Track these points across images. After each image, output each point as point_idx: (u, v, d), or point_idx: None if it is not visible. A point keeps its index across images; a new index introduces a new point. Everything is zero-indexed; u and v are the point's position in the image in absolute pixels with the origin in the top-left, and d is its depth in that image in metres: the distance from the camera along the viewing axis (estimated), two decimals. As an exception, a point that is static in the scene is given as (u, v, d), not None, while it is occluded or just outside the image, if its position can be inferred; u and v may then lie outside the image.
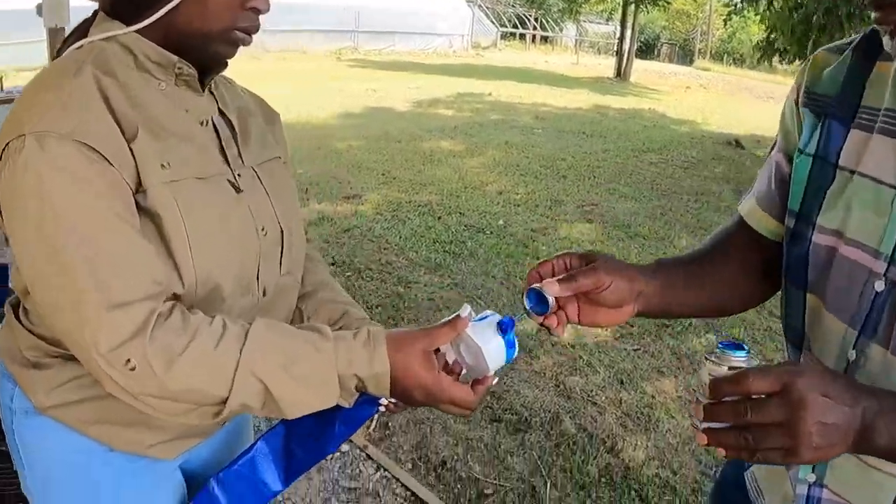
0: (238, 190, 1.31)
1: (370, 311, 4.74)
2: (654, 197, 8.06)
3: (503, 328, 1.21)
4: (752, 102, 20.36)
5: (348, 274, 5.35)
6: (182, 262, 1.19)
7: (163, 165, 1.17)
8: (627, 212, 7.42)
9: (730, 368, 0.98)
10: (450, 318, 1.21)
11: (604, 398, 3.91)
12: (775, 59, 13.17)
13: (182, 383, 1.10)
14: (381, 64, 22.69)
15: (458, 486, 3.16)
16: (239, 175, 1.32)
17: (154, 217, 1.16)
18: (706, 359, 1.02)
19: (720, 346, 1.02)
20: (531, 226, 6.84)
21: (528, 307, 1.23)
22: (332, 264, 5.48)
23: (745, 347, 1.01)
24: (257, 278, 1.35)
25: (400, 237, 6.24)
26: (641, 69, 26.61)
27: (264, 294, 1.38)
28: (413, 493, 3.05)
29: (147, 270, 1.13)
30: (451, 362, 1.25)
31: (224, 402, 1.13)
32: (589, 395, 3.92)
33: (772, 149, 1.35)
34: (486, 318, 1.23)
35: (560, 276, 1.19)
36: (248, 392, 1.13)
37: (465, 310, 1.20)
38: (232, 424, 1.60)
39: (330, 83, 15.92)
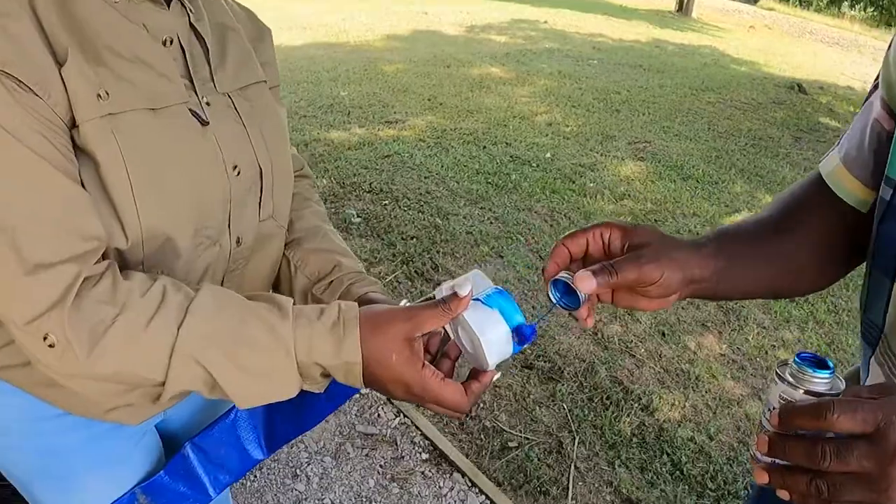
0: (203, 122, 1.08)
1: (406, 242, 4.56)
2: (709, 138, 7.71)
3: (521, 335, 0.98)
4: (816, 47, 19.57)
5: (385, 202, 5.16)
6: (124, 212, 0.98)
7: (99, 96, 0.95)
8: (681, 152, 7.10)
9: (807, 392, 0.80)
10: (446, 294, 0.99)
11: (643, 350, 3.71)
12: (845, 3, 12.58)
13: (108, 366, 0.92)
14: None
15: (482, 436, 3.00)
16: (207, 103, 1.10)
17: (90, 158, 0.95)
18: (777, 375, 0.83)
19: (798, 359, 0.82)
20: (580, 160, 6.56)
21: (554, 299, 1.01)
22: (370, 191, 5.29)
23: (831, 365, 0.81)
24: (228, 226, 1.14)
25: (442, 166, 6.02)
26: (704, 4, 25.68)
27: (238, 243, 1.18)
28: (432, 443, 2.90)
29: (74, 224, 0.92)
30: (451, 337, 1.06)
31: (162, 385, 0.95)
32: (627, 347, 3.72)
33: (867, 98, 1.09)
34: (493, 294, 1.00)
35: (595, 267, 0.95)
36: (188, 378, 0.95)
37: (466, 286, 0.97)
38: None
39: (380, 4, 15.53)
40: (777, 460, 0.78)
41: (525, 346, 1.00)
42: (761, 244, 1.11)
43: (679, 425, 3.19)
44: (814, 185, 1.14)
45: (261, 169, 1.18)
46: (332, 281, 1.29)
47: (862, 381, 1.12)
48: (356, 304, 1.02)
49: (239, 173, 1.13)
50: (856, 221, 1.07)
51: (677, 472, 2.95)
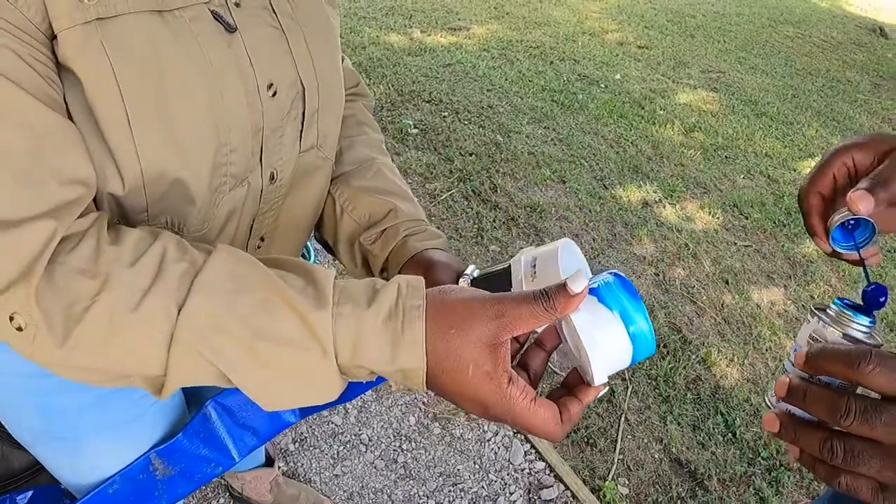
0: (230, 28, 0.85)
1: (464, 158, 4.37)
2: (786, 75, 7.32)
3: (625, 318, 0.73)
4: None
5: (444, 114, 4.94)
6: (118, 149, 0.77)
7: None
8: (756, 87, 6.75)
9: (844, 336, 0.69)
10: (528, 265, 0.82)
11: (705, 298, 3.52)
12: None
13: (89, 357, 0.72)
14: None
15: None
16: (237, 3, 0.87)
17: (74, 78, 0.74)
18: (814, 313, 0.71)
19: (838, 301, 0.70)
20: (650, 85, 6.25)
21: (847, 248, 0.83)
22: (429, 101, 5.07)
23: (873, 314, 0.70)
24: (261, 160, 0.94)
25: (506, 79, 5.76)
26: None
27: (272, 180, 0.97)
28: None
29: (51, 166, 0.71)
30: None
31: (163, 376, 0.75)
32: (689, 292, 3.54)
33: None
34: (612, 285, 0.74)
35: (864, 184, 0.76)
36: (195, 373, 0.74)
37: (580, 281, 0.70)
38: None
39: None
40: (793, 409, 0.67)
41: (648, 355, 0.77)
42: None
43: (736, 384, 3.03)
44: None
45: (304, 88, 0.97)
46: (385, 229, 1.11)
47: None
48: (422, 282, 0.76)
49: (275, 94, 0.92)
50: None
51: (730, 434, 2.80)
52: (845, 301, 0.71)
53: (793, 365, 0.68)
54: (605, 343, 0.73)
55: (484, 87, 5.54)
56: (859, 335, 0.69)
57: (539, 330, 0.78)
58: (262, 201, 0.99)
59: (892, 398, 0.59)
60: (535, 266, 0.83)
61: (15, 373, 1.01)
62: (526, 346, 0.82)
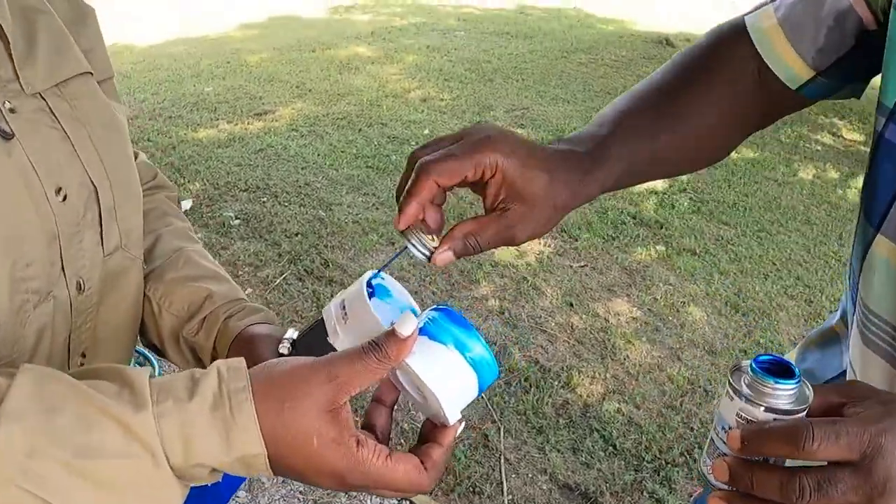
0: (7, 136, 0.80)
1: (290, 239, 4.29)
2: (586, 98, 7.64)
3: (460, 348, 0.70)
4: (676, 0, 19.99)
5: (264, 199, 4.86)
6: None
7: None
8: (560, 115, 6.99)
9: (769, 409, 0.64)
10: (338, 311, 0.77)
11: (554, 324, 3.56)
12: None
13: None
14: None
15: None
16: (11, 110, 0.82)
17: None
18: (731, 387, 0.67)
19: (755, 366, 0.66)
20: (459, 135, 6.36)
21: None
22: (245, 190, 4.98)
23: (796, 370, 0.66)
24: (62, 268, 0.87)
25: (318, 154, 5.74)
26: (560, -34, 25.93)
27: (80, 289, 0.90)
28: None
29: None
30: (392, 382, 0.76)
31: None
32: (537, 322, 3.57)
33: None
34: (437, 319, 0.71)
35: (456, 242, 0.81)
36: None
37: (408, 323, 0.67)
38: None
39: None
40: (739, 490, 0.65)
41: (492, 381, 0.75)
42: (664, 115, 0.96)
43: (604, 398, 3.06)
44: (734, 36, 1.00)
45: (95, 188, 0.91)
46: (205, 317, 1.05)
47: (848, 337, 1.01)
48: (242, 362, 0.69)
49: (65, 198, 0.86)
50: (778, 93, 0.96)
51: (610, 447, 2.82)
52: (761, 361, 0.67)
53: (724, 443, 0.66)
54: (448, 378, 0.69)
55: (298, 165, 5.49)
56: (786, 403, 0.64)
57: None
58: (74, 314, 0.91)
59: (841, 462, 0.59)
60: (344, 308, 0.77)
61: None
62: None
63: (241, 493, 2.54)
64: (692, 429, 2.95)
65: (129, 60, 8.50)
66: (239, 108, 6.78)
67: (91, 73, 0.97)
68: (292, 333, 0.96)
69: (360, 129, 6.37)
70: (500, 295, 3.80)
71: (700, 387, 3.19)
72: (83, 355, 0.98)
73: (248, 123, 6.39)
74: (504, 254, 4.22)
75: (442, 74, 8.34)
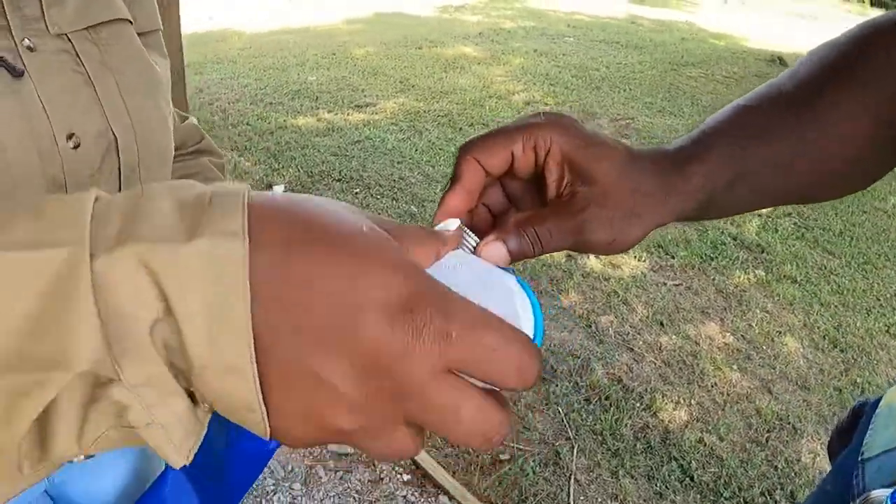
0: (16, 73, 0.74)
1: (378, 233, 4.23)
2: (693, 113, 7.40)
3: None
4: (790, 20, 19.37)
5: (356, 190, 4.82)
6: None
7: None
8: (666, 128, 6.79)
9: None
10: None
11: (641, 343, 3.40)
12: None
13: None
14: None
15: (470, 449, 2.68)
16: (31, 48, 0.76)
17: None
18: None
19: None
20: (560, 141, 6.22)
21: None
22: (339, 179, 4.95)
23: None
24: None
25: (416, 150, 5.68)
26: (678, -21, 25.45)
27: None
28: (414, 462, 2.58)
29: None
30: None
31: None
32: (624, 339, 3.42)
33: None
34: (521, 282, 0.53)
35: (509, 228, 0.58)
36: None
37: (454, 223, 0.52)
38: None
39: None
40: None
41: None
42: (795, 115, 0.72)
43: (686, 426, 2.89)
44: (887, 26, 0.75)
45: (115, 138, 0.83)
46: None
47: None
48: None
49: (78, 145, 0.79)
50: None
51: (687, 479, 2.65)
52: None
53: None
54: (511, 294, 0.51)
55: (394, 159, 5.44)
56: None
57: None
58: None
59: None
60: None
61: None
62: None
63: (297, 486, 2.48)
64: (776, 467, 2.76)
65: (237, 46, 8.62)
66: (340, 99, 6.78)
67: (130, 22, 0.90)
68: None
69: (460, 128, 6.29)
70: (589, 307, 3.66)
71: (789, 423, 2.99)
72: None
73: (349, 114, 6.38)
74: (596, 264, 4.07)
75: (548, 79, 8.21)
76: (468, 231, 0.56)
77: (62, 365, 0.33)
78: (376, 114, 6.48)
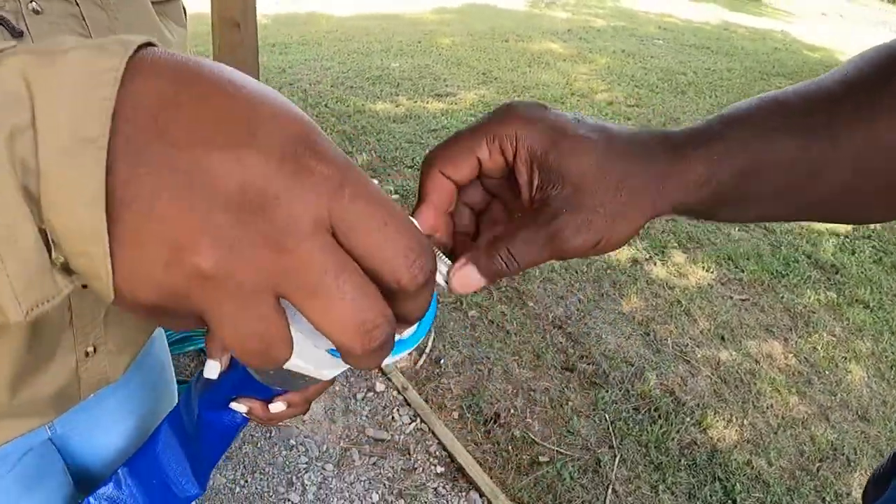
0: (15, 33, 0.71)
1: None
2: (779, 125, 7.17)
3: None
4: (890, 36, 18.71)
5: (427, 178, 4.79)
6: None
7: None
8: (748, 139, 6.59)
9: None
10: None
11: (699, 356, 3.30)
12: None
13: None
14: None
15: (509, 447, 2.63)
16: (36, 10, 0.73)
17: None
18: None
19: None
20: (639, 144, 6.09)
21: None
22: (411, 166, 4.92)
23: None
24: None
25: (491, 143, 5.62)
26: (777, -12, 24.82)
27: None
28: (450, 455, 2.54)
29: None
30: None
31: None
32: (682, 351, 3.31)
33: None
34: None
35: (478, 250, 0.52)
36: None
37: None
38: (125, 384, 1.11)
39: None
40: None
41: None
42: (834, 122, 0.60)
43: (735, 446, 2.79)
44: None
45: None
46: None
47: None
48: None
49: None
50: None
51: (729, 501, 2.56)
52: None
53: None
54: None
55: (469, 150, 5.39)
56: None
57: None
58: None
59: None
60: None
61: None
62: None
63: (329, 466, 2.46)
64: (824, 500, 2.64)
65: (324, 29, 8.67)
66: (421, 87, 6.76)
67: None
68: None
69: (537, 124, 6.21)
70: (650, 315, 3.56)
71: (843, 454, 2.86)
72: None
73: (428, 102, 6.35)
74: (662, 271, 3.97)
75: (633, 81, 8.06)
76: (440, 254, 0.51)
77: None
78: (455, 104, 6.44)
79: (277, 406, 0.71)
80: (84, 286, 0.35)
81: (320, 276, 0.33)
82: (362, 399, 2.76)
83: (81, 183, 0.31)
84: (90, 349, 0.94)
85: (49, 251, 0.33)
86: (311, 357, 0.49)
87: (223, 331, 0.33)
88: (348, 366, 0.46)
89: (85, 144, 0.31)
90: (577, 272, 3.88)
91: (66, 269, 0.34)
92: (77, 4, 0.78)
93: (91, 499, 1.02)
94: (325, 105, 5.92)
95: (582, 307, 3.57)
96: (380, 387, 2.81)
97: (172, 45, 0.90)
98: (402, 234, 0.35)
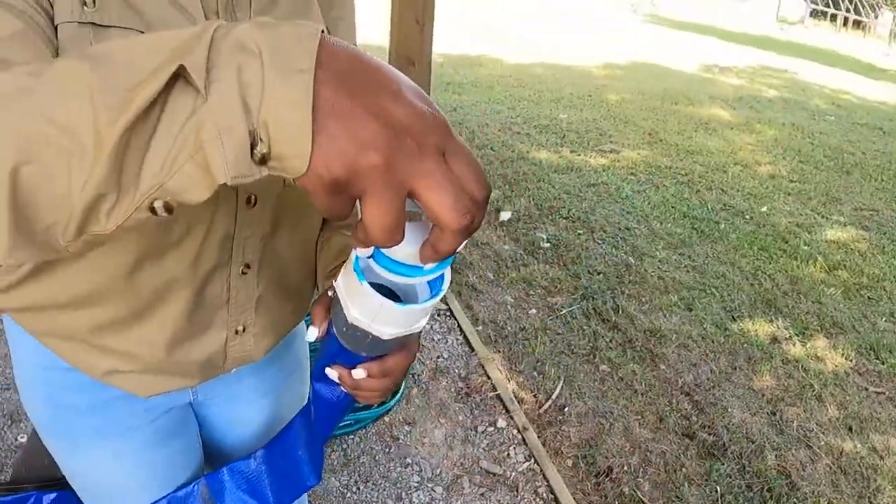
0: None
1: (591, 276, 4.31)
2: (947, 217, 6.88)
3: None
4: None
5: (580, 231, 4.90)
6: None
7: (85, 2, 0.76)
8: (911, 228, 6.37)
9: None
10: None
11: (822, 443, 3.26)
12: None
13: None
14: (676, 23, 21.37)
15: (616, 503, 2.71)
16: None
17: None
18: None
19: None
20: (797, 220, 5.99)
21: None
22: (566, 217, 5.05)
23: None
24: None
25: (648, 203, 5.68)
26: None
27: (252, 203, 0.98)
28: (556, 500, 2.63)
29: None
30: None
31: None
32: (806, 435, 3.29)
33: None
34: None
35: None
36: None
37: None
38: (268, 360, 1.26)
39: (616, 33, 15.13)
40: None
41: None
42: None
43: (846, 540, 2.76)
44: None
45: None
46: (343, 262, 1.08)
47: None
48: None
49: None
50: None
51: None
52: None
53: None
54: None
55: (625, 209, 5.47)
56: None
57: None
58: (238, 225, 0.99)
59: None
60: (343, 289, 0.76)
61: (31, 361, 1.08)
62: None
63: (439, 489, 2.60)
64: None
65: (497, 73, 8.91)
66: (586, 140, 6.88)
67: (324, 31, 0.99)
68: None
69: (697, 190, 6.22)
70: (779, 395, 3.55)
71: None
72: (248, 266, 1.05)
73: (591, 157, 6.46)
74: (800, 353, 3.93)
75: (799, 155, 7.90)
76: None
77: (172, 60, 0.48)
78: (618, 161, 6.52)
79: (358, 373, 0.82)
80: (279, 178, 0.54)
81: (439, 176, 0.51)
82: (482, 432, 2.90)
83: (295, 95, 0.47)
84: (240, 328, 1.09)
85: (252, 147, 0.49)
86: (369, 311, 0.70)
87: (372, 206, 0.50)
88: (397, 330, 0.72)
89: (299, 73, 0.47)
90: (713, 342, 3.90)
91: (262, 162, 0.50)
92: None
93: (225, 469, 1.18)
94: (491, 148, 6.13)
95: (713, 377, 3.59)
96: (501, 423, 2.94)
97: None
98: (478, 179, 0.54)
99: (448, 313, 3.79)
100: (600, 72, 10.40)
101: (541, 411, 3.10)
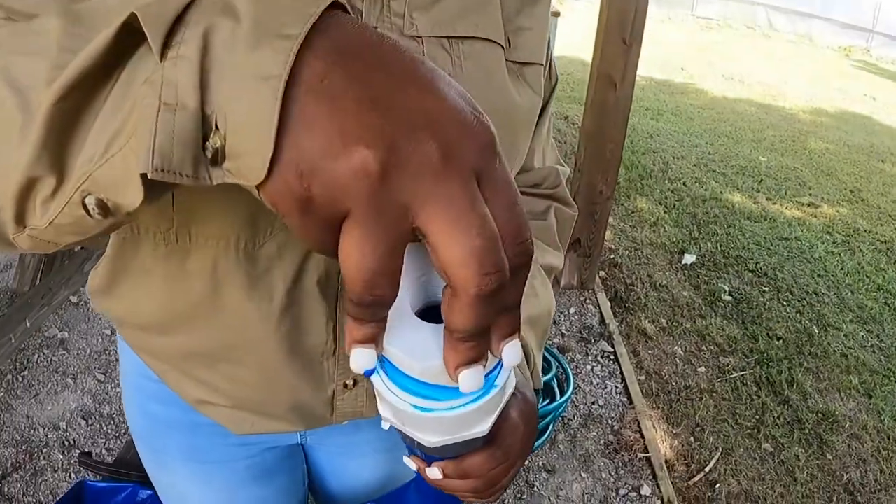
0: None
1: (770, 340, 3.90)
2: None
3: None
4: None
5: (765, 289, 4.47)
6: None
7: None
8: None
9: None
10: None
11: None
12: None
13: None
14: (892, 74, 19.86)
15: None
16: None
17: None
18: None
19: None
20: None
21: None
22: (753, 271, 4.62)
23: None
24: None
25: (841, 268, 5.14)
26: None
27: None
28: None
29: None
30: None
31: None
32: None
33: None
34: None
35: None
36: None
37: None
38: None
39: (824, 76, 14.15)
40: None
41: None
42: None
43: None
44: None
45: None
46: None
47: None
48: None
49: None
50: None
51: None
52: None
53: None
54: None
55: (816, 270, 4.97)
56: None
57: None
58: None
59: None
60: None
61: (130, 368, 1.01)
62: None
63: None
64: None
65: (698, 103, 8.44)
66: (784, 190, 6.36)
67: (502, 47, 0.79)
68: None
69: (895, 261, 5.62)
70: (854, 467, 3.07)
71: None
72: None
73: (786, 208, 5.95)
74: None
75: None
76: None
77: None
78: (814, 216, 5.98)
79: (433, 472, 0.66)
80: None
81: (463, 207, 0.34)
82: (623, 496, 2.63)
83: (266, 66, 0.33)
84: (349, 382, 0.92)
85: (204, 140, 0.34)
86: (394, 413, 0.47)
87: (351, 235, 0.33)
88: (442, 438, 0.49)
89: (281, 38, 0.33)
90: (888, 437, 3.43)
91: (214, 161, 0.35)
92: (422, 44, 0.72)
93: None
94: (683, 182, 5.75)
95: (882, 479, 3.14)
96: (646, 489, 2.67)
97: (518, 108, 0.83)
98: (520, 231, 0.36)
99: (612, 357, 3.50)
100: (804, 116, 9.70)
101: (690, 483, 2.78)
